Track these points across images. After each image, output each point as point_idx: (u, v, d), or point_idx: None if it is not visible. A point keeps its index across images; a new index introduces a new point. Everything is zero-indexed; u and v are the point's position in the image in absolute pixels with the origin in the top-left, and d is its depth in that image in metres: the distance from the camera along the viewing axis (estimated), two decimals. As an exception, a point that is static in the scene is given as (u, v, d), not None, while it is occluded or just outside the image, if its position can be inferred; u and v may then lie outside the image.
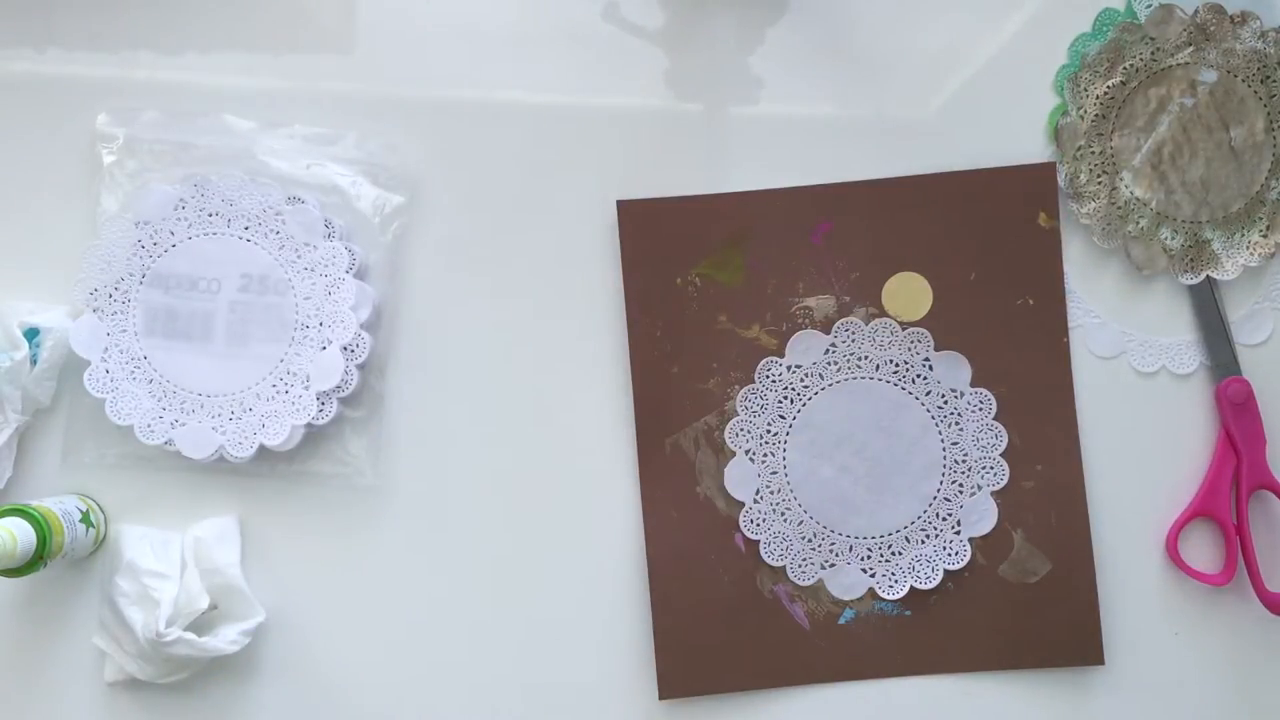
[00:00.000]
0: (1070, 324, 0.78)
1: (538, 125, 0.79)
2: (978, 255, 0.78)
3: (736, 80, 0.79)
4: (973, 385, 0.78)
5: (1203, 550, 0.79)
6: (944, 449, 0.78)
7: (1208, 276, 0.78)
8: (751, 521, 0.78)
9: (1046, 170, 0.78)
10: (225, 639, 0.73)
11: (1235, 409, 0.77)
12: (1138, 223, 0.78)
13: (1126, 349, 0.79)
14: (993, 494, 0.77)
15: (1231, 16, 0.78)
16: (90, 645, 0.75)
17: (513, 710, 0.77)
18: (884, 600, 0.78)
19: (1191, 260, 0.78)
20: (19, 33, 0.79)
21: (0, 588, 0.76)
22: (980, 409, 0.78)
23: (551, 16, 0.79)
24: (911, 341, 0.78)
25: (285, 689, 0.77)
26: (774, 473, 0.78)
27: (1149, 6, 0.78)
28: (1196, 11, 0.78)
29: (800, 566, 0.78)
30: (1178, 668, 0.78)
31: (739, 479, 0.78)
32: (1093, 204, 0.78)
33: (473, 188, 0.79)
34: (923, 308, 0.78)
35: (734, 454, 0.78)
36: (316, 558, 0.77)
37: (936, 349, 0.78)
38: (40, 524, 0.69)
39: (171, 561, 0.74)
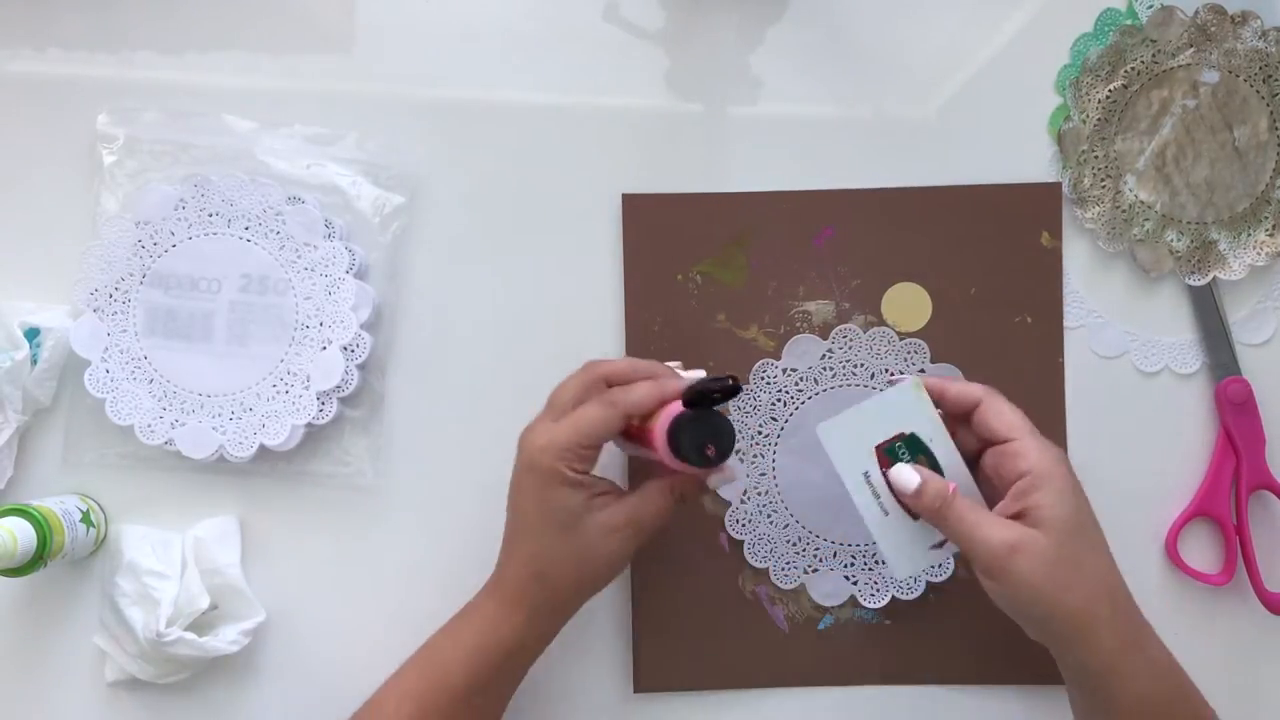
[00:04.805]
0: (1073, 324, 0.78)
1: (538, 125, 0.79)
2: (979, 270, 0.78)
3: (736, 80, 0.79)
4: (966, 399, 0.77)
5: (1203, 550, 0.79)
6: (934, 461, 0.77)
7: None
8: (737, 522, 0.78)
9: (1052, 189, 0.78)
10: (225, 639, 0.73)
11: (1235, 409, 0.77)
12: (1143, 225, 0.78)
13: (1129, 349, 0.79)
14: (980, 508, 0.77)
15: (1232, 17, 0.78)
16: (90, 645, 0.76)
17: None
18: (864, 608, 0.77)
19: (1198, 261, 0.78)
20: (19, 33, 0.79)
21: (0, 588, 0.76)
22: (972, 423, 0.77)
23: (551, 16, 0.79)
24: (908, 352, 0.78)
25: (285, 689, 0.77)
26: (762, 474, 0.78)
27: (1150, 7, 0.78)
28: (1197, 12, 0.78)
29: (783, 569, 0.77)
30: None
31: (727, 479, 0.78)
32: (1097, 209, 0.78)
33: (473, 188, 0.79)
34: (921, 319, 0.78)
35: (723, 453, 0.78)
36: (316, 558, 0.78)
37: (932, 360, 0.78)
38: (40, 524, 0.70)
39: (172, 561, 0.75)
